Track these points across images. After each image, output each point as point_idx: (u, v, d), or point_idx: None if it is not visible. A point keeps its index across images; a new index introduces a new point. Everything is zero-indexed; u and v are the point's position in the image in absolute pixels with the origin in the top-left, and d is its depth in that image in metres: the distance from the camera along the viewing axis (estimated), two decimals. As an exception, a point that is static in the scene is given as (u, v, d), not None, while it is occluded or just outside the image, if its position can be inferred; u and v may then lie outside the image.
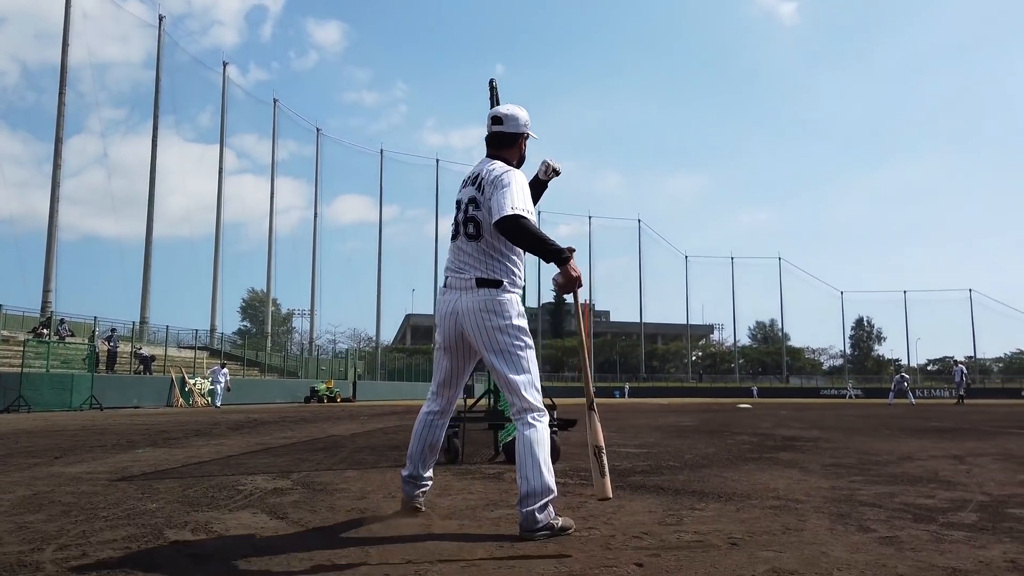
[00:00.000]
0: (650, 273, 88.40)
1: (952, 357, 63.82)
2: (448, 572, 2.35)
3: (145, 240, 41.17)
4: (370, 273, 62.62)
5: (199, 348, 35.46)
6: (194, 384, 27.72)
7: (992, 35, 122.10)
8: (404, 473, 3.33)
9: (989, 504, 3.71)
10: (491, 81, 6.42)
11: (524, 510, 2.85)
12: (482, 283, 3.05)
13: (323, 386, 33.76)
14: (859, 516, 3.35)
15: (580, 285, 3.02)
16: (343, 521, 3.27)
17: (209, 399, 27.80)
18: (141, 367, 27.90)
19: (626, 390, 57.16)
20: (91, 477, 4.88)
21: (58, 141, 35.31)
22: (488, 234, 3.06)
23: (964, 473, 5.06)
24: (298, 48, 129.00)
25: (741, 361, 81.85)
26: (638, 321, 77.21)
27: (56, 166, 35.13)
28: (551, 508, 2.89)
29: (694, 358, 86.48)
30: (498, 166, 3.14)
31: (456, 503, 3.73)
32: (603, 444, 3.07)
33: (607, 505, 3.59)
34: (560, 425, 6.09)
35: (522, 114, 3.33)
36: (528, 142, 3.37)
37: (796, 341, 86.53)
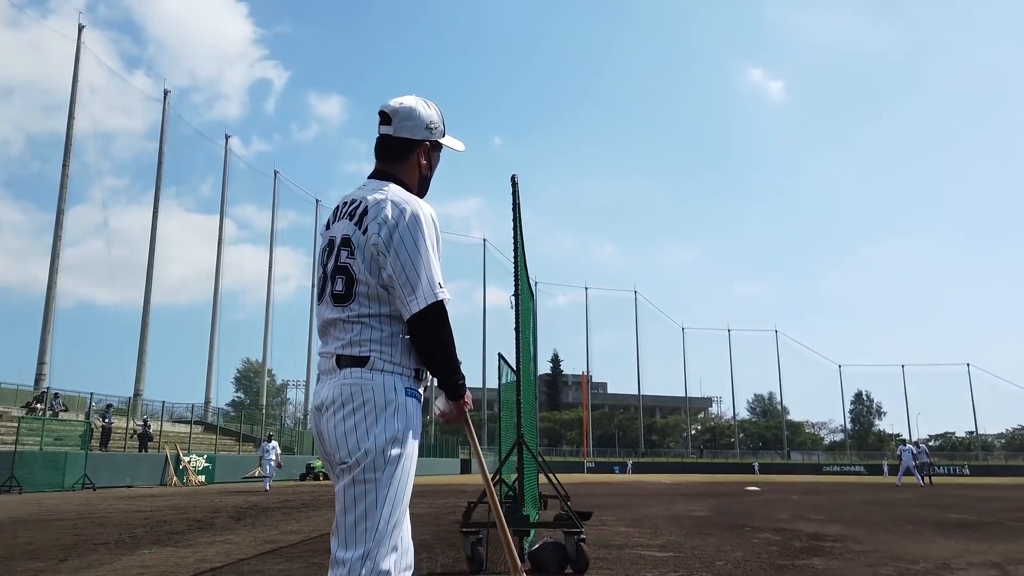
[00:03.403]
0: (647, 344, 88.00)
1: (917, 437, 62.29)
2: None
3: (143, 311, 41.05)
4: (368, 345, 62.12)
5: (194, 423, 34.84)
6: (188, 461, 27.16)
7: (979, 112, 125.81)
8: None
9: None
10: (513, 177, 6.36)
11: None
12: (344, 361, 2.02)
13: (319, 463, 33.07)
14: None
15: (466, 419, 2.21)
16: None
17: (203, 478, 27.24)
18: (138, 444, 27.30)
19: (629, 466, 56.27)
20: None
21: (60, 212, 35.58)
22: (363, 296, 2.02)
23: (1012, 590, 4.87)
24: (300, 120, 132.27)
25: (741, 435, 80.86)
26: (635, 393, 76.63)
27: (57, 237, 35.23)
28: None
29: (693, 432, 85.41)
30: (393, 193, 2.06)
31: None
32: None
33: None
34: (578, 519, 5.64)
35: (425, 111, 2.20)
36: (442, 155, 2.30)
37: (795, 415, 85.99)
